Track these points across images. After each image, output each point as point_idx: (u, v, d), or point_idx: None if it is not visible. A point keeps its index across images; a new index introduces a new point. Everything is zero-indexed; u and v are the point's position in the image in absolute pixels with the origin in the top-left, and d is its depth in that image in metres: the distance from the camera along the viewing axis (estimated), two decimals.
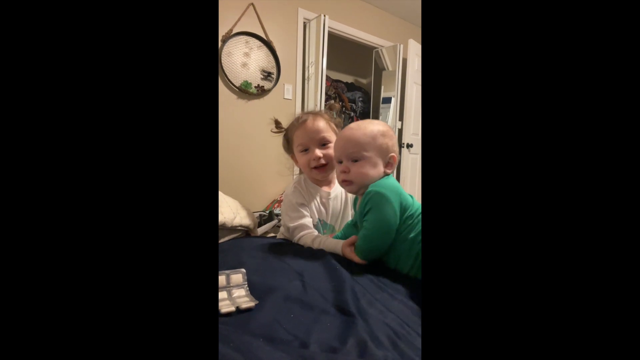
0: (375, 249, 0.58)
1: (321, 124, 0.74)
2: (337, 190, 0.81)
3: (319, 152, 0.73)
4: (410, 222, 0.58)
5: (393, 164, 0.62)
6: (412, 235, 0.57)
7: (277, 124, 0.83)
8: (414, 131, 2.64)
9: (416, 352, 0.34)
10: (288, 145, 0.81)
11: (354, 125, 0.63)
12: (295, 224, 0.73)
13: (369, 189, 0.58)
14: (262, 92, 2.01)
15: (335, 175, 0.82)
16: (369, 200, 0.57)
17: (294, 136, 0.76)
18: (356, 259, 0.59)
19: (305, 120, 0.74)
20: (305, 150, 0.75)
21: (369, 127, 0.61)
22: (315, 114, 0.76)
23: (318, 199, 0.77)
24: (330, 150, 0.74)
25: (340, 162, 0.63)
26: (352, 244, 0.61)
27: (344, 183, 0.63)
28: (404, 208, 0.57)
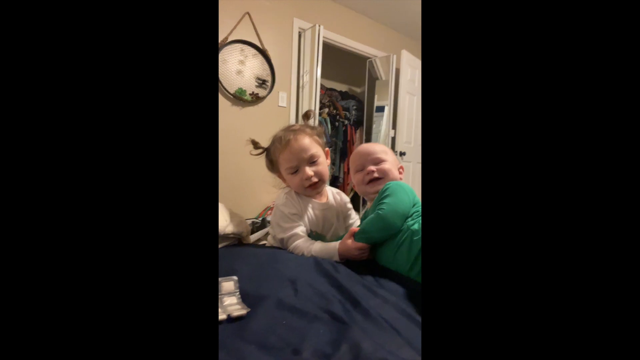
0: (384, 228, 0.61)
1: (306, 141, 0.72)
2: (330, 202, 0.80)
3: (309, 171, 0.71)
4: (411, 220, 0.61)
5: (402, 174, 0.74)
6: (414, 227, 0.60)
7: (255, 144, 0.77)
8: (406, 140, 2.68)
9: (409, 358, 0.34)
10: (272, 166, 0.78)
11: (365, 144, 0.78)
12: (289, 234, 0.71)
13: (388, 183, 0.67)
14: (256, 99, 2.02)
15: (326, 189, 0.82)
16: (387, 189, 0.65)
17: (279, 159, 0.74)
18: (355, 245, 0.62)
19: (288, 141, 0.71)
20: (295, 171, 0.72)
21: (379, 145, 0.77)
22: (296, 131, 0.73)
23: (310, 209, 0.76)
24: (320, 167, 0.73)
25: (361, 170, 0.72)
26: (352, 235, 0.64)
27: (372, 182, 0.71)
28: (415, 202, 0.64)
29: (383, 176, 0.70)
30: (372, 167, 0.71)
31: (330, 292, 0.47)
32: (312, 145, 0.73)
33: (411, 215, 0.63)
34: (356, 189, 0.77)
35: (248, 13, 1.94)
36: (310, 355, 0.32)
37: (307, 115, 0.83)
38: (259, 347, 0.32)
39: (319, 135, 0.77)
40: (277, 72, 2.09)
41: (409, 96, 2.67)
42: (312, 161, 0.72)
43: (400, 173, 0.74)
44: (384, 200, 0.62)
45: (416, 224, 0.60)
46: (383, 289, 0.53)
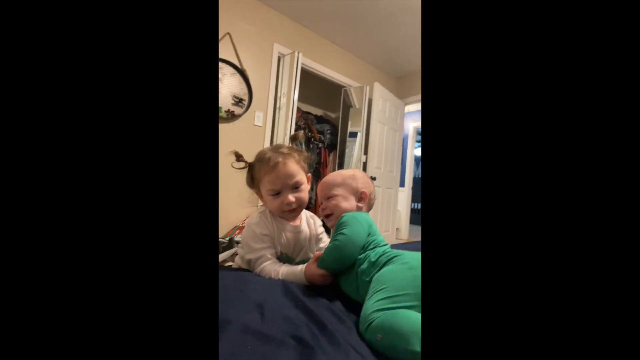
0: (340, 259, 0.61)
1: (293, 167, 0.72)
2: (303, 226, 0.80)
3: (291, 197, 0.71)
4: (363, 254, 0.61)
5: (365, 199, 0.73)
6: (363, 266, 0.59)
7: (239, 157, 0.75)
8: (377, 165, 2.79)
9: None
10: (253, 183, 0.77)
11: (331, 174, 0.78)
12: (257, 255, 0.70)
13: (343, 215, 0.67)
14: (232, 116, 2.02)
15: (303, 212, 0.82)
16: (343, 221, 0.65)
17: (264, 179, 0.73)
18: (318, 270, 0.61)
19: (276, 164, 0.70)
20: (277, 194, 0.72)
21: (341, 172, 0.77)
22: (285, 155, 0.73)
23: (283, 231, 0.76)
24: (302, 193, 0.74)
25: (321, 203, 0.75)
26: (316, 260, 0.63)
27: (325, 218, 0.74)
28: (370, 232, 0.65)
29: (332, 212, 0.72)
30: (324, 204, 0.74)
31: (297, 317, 0.47)
32: (299, 171, 0.73)
33: (366, 245, 0.63)
34: None
35: (229, 34, 1.98)
36: None
37: (295, 137, 0.83)
38: None
39: (304, 161, 0.77)
40: (254, 92, 2.12)
41: (380, 125, 2.82)
42: (295, 187, 0.73)
43: (361, 199, 0.72)
44: (340, 231, 0.63)
45: (365, 263, 0.59)
46: (351, 315, 0.54)
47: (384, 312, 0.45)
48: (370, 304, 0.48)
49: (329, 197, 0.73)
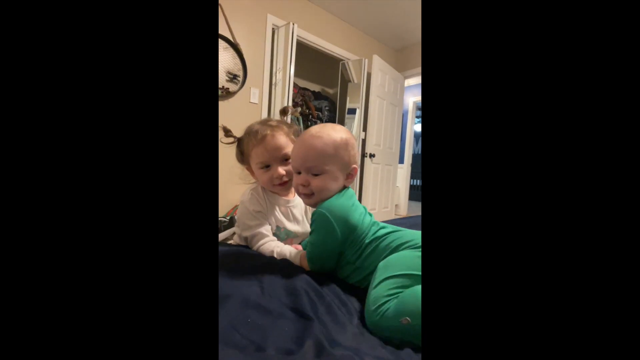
0: (319, 268, 0.59)
1: (282, 139, 0.71)
2: (296, 199, 0.79)
3: (281, 170, 0.71)
4: (356, 248, 0.56)
5: (353, 176, 0.60)
6: (358, 260, 0.55)
7: (227, 132, 0.75)
8: (376, 142, 2.76)
9: (372, 351, 0.35)
10: (242, 157, 0.77)
11: (314, 130, 0.58)
12: (254, 232, 0.70)
13: (318, 208, 0.56)
14: (227, 94, 1.96)
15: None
16: (315, 220, 0.56)
17: (252, 152, 0.72)
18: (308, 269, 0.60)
19: (264, 136, 0.70)
20: (266, 167, 0.72)
21: (331, 135, 0.57)
22: (274, 127, 0.72)
23: (277, 206, 0.76)
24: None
25: (299, 173, 0.59)
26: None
27: (303, 196, 0.61)
28: (350, 230, 0.56)
29: (315, 193, 0.58)
30: (306, 180, 0.57)
31: (296, 291, 0.47)
32: (288, 144, 0.72)
33: (350, 241, 0.56)
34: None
35: (220, 4, 1.88)
36: (274, 352, 0.32)
37: (284, 111, 0.81)
38: (222, 345, 0.31)
39: (294, 134, 0.75)
40: (249, 67, 2.04)
41: (379, 100, 2.75)
42: (285, 159, 0.72)
43: (350, 176, 0.60)
44: (310, 240, 0.58)
45: (361, 257, 0.55)
46: (348, 288, 0.55)
47: (397, 296, 0.43)
48: (379, 291, 0.45)
49: (316, 173, 0.57)
